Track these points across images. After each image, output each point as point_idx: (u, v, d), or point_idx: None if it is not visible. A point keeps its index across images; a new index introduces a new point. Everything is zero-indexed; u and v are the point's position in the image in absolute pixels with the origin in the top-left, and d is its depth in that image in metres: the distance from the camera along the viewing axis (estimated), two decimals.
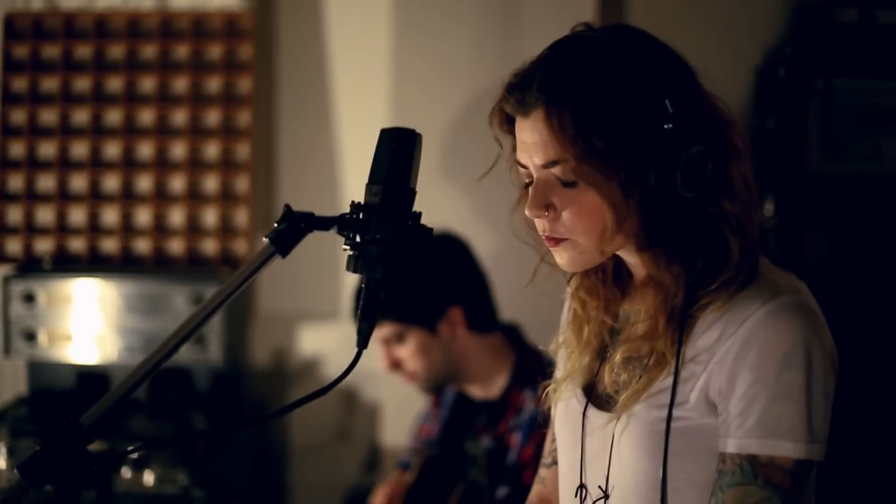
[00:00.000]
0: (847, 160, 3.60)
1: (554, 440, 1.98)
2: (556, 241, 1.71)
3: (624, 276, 1.84)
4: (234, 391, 4.04)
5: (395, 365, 2.90)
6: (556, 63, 1.67)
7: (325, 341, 4.26)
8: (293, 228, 1.61)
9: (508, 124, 1.75)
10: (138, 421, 3.68)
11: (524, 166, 1.72)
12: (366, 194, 1.64)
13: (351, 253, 1.64)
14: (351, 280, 4.20)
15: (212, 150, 4.00)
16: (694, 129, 1.66)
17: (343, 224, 1.63)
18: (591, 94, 1.63)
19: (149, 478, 3.47)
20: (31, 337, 3.89)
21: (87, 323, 3.90)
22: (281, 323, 4.28)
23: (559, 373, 1.93)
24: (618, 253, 1.77)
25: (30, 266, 4.02)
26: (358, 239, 1.63)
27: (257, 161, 4.07)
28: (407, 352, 2.85)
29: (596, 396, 1.81)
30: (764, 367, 1.63)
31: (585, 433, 1.80)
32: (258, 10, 4.07)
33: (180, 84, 4.02)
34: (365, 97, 4.10)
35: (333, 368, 4.25)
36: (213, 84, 4.01)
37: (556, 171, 1.66)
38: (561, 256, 1.73)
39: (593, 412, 1.79)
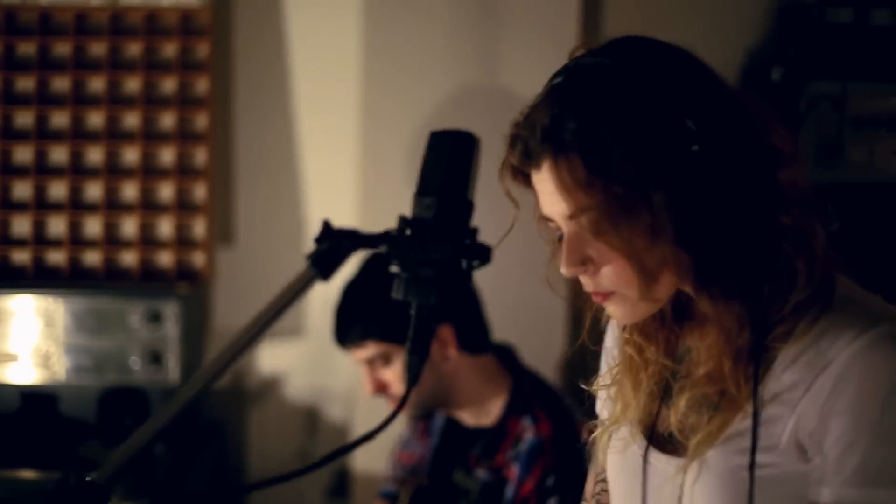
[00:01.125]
0: (840, 166, 3.46)
1: (598, 482, 1.82)
2: (604, 297, 1.55)
3: (683, 306, 1.65)
4: (192, 412, 3.81)
5: (381, 388, 2.72)
6: (556, 104, 1.48)
7: (287, 360, 4.04)
8: (336, 248, 1.38)
9: (523, 176, 1.56)
10: (91, 446, 3.47)
11: (550, 219, 1.55)
12: (415, 207, 1.43)
13: (401, 275, 1.42)
14: (317, 295, 3.99)
15: (167, 155, 3.81)
16: (726, 142, 1.47)
17: (392, 242, 1.41)
18: (601, 134, 1.44)
19: None
20: None
21: (32, 341, 3.67)
22: None
23: (606, 413, 1.76)
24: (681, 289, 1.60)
25: None
26: (409, 260, 1.40)
27: (215, 167, 3.86)
28: (393, 374, 2.68)
29: (657, 439, 1.64)
30: (864, 407, 1.45)
31: (648, 480, 1.65)
32: (215, 6, 3.85)
33: (132, 84, 3.81)
34: (330, 99, 3.91)
35: (295, 388, 4.06)
36: (168, 85, 3.81)
37: (582, 221, 1.49)
38: (615, 312, 1.58)
39: (656, 457, 1.63)
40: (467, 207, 1.43)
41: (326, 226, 1.41)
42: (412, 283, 1.42)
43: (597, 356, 1.80)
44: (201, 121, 3.78)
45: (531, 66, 3.46)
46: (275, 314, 1.38)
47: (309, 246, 3.97)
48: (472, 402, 2.71)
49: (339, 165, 3.85)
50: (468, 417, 2.75)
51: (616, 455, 1.70)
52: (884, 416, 1.44)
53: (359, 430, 3.69)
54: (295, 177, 3.95)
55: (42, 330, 3.65)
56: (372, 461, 3.54)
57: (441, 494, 2.75)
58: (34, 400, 3.67)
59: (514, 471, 2.59)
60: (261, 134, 3.98)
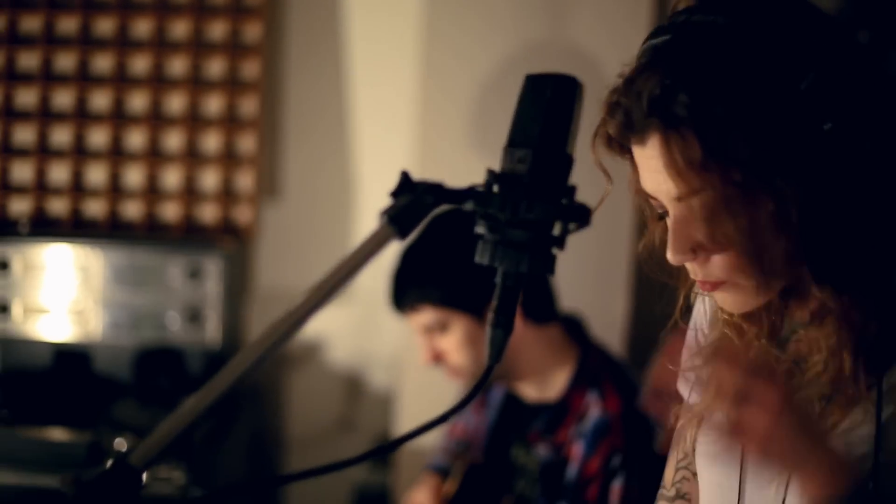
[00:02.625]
0: None
1: (679, 470, 1.67)
2: (714, 286, 1.42)
3: (792, 285, 1.50)
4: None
5: (437, 357, 2.60)
6: (665, 72, 1.32)
7: (330, 323, 3.93)
8: (417, 203, 1.21)
9: (619, 146, 1.42)
10: (125, 406, 3.39)
11: (653, 197, 1.41)
12: (505, 160, 1.26)
13: (488, 238, 1.24)
14: None
15: (214, 103, 3.71)
16: (863, 119, 1.31)
17: (480, 199, 1.23)
18: (719, 111, 1.29)
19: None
20: (3, 309, 3.58)
21: (68, 295, 3.58)
22: (282, 302, 3.92)
23: (695, 396, 1.61)
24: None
25: (4, 229, 3.70)
26: (497, 220, 1.23)
27: (264, 117, 3.76)
28: (451, 343, 2.58)
29: None
30: None
31: (745, 472, 1.51)
32: None
33: (180, 28, 3.70)
34: (387, 51, 3.81)
35: (338, 353, 3.96)
36: (218, 29, 3.70)
37: (694, 204, 1.36)
38: (724, 301, 1.46)
39: None
40: (566, 162, 1.26)
41: (406, 178, 1.23)
42: (501, 246, 1.26)
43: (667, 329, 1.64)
44: (251, 68, 3.68)
45: (600, 20, 3.30)
46: (344, 277, 1.21)
47: (358, 203, 3.89)
48: (534, 374, 2.60)
49: (394, 120, 3.75)
50: (530, 391, 2.64)
51: (710, 445, 1.57)
52: None
53: (403, 399, 3.58)
54: (346, 130, 3.84)
55: (78, 284, 3.57)
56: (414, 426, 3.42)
57: (497, 472, 2.66)
58: (67, 358, 3.59)
59: (578, 449, 2.48)
60: (313, 84, 3.88)
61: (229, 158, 3.69)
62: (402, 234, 1.22)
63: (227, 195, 3.70)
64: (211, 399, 1.16)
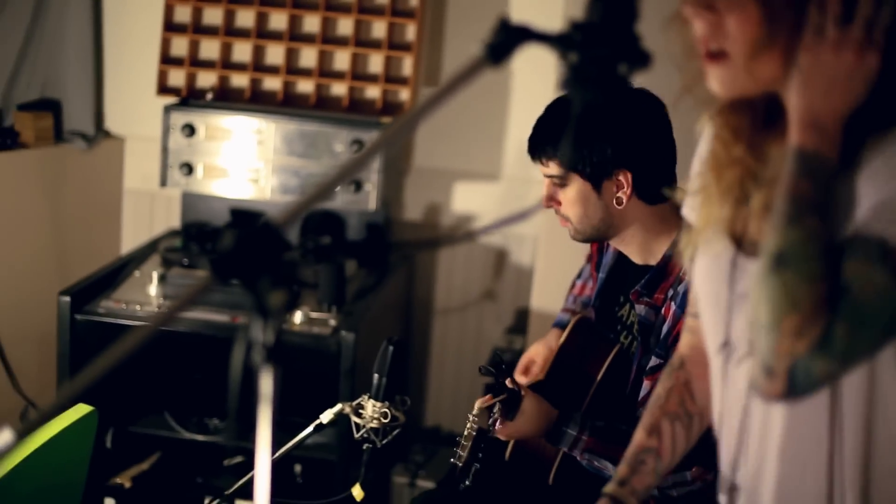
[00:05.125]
0: None
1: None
2: (714, 58, 1.56)
3: (777, 118, 1.63)
4: (383, 237, 4.01)
5: (551, 203, 2.76)
6: None
7: (480, 201, 4.21)
8: (511, 39, 1.51)
9: None
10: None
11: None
12: (586, 12, 1.54)
13: (567, 70, 1.54)
14: (513, 142, 4.14)
15: None
16: None
17: (558, 41, 1.53)
18: None
19: (298, 318, 3.47)
20: (188, 169, 3.90)
21: (244, 159, 3.89)
22: (437, 179, 4.24)
23: (694, 221, 1.77)
24: (776, 91, 1.61)
25: (193, 98, 4.01)
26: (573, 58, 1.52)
27: (427, 9, 3.99)
28: (566, 197, 2.70)
29: (746, 246, 1.65)
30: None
31: (735, 283, 1.65)
32: None
33: None
34: None
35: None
36: None
37: None
38: (715, 78, 1.57)
39: (744, 261, 1.64)
40: (632, 13, 1.54)
41: (503, 21, 1.53)
42: (576, 79, 1.53)
43: None
44: None
45: None
46: (445, 93, 1.51)
47: (509, 92, 4.08)
48: (637, 242, 2.74)
49: (550, 17, 3.92)
50: (635, 255, 2.78)
51: (704, 259, 1.72)
52: None
53: (539, 274, 3.83)
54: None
55: (254, 150, 3.87)
56: (549, 300, 3.68)
57: (603, 326, 2.83)
58: (241, 215, 3.84)
59: (671, 308, 2.61)
60: None
61: (393, 45, 3.90)
62: (496, 59, 1.52)
63: (390, 79, 3.90)
64: (331, 181, 1.47)
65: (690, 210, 1.82)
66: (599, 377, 2.71)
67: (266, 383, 1.29)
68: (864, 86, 1.47)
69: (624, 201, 2.65)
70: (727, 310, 1.67)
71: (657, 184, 2.69)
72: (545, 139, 2.65)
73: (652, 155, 2.67)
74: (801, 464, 1.60)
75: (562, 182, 2.66)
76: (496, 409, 2.51)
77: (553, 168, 2.66)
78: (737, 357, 1.66)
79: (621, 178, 2.64)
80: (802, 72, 1.48)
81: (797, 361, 1.40)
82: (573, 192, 2.66)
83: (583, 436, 2.55)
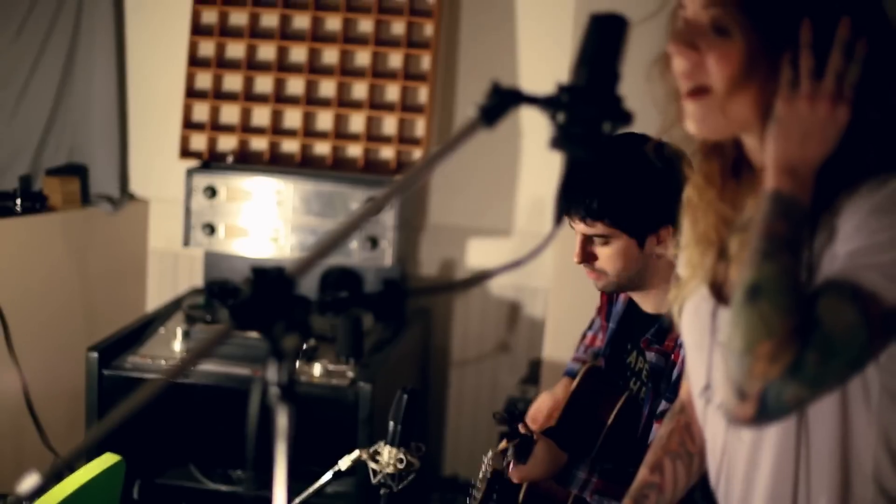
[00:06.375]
0: None
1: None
2: (695, 94, 1.62)
3: (744, 169, 1.71)
4: (401, 296, 4.11)
5: (588, 259, 2.81)
6: None
7: (494, 256, 4.32)
8: (503, 102, 1.63)
9: None
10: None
11: (683, 6, 1.64)
12: (572, 77, 1.66)
13: (556, 131, 1.65)
14: (525, 199, 4.25)
15: (395, 59, 4.07)
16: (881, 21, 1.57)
17: (546, 103, 1.64)
18: None
19: (317, 371, 3.57)
20: (210, 229, 4.03)
21: (264, 219, 4.01)
22: (451, 235, 4.34)
23: (682, 274, 1.85)
24: (743, 139, 1.68)
25: (214, 161, 4.14)
26: (560, 119, 1.64)
27: (438, 73, 4.11)
28: (606, 253, 2.70)
29: (726, 297, 1.71)
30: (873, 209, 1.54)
31: (716, 334, 1.71)
32: None
33: None
34: (549, 11, 4.12)
35: (498, 284, 4.32)
36: None
37: (713, 12, 1.58)
38: (691, 114, 1.64)
39: (724, 312, 1.68)
40: (614, 77, 1.65)
41: (495, 85, 1.65)
42: (563, 138, 1.64)
43: None
44: (428, 30, 4.03)
45: None
46: (442, 153, 1.61)
47: (521, 150, 4.16)
48: (656, 293, 2.77)
49: (558, 73, 4.02)
50: (648, 304, 2.82)
51: (689, 307, 1.78)
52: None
53: (551, 326, 3.93)
54: (511, 83, 4.13)
55: (273, 210, 4.00)
56: (560, 350, 3.77)
57: (613, 374, 2.88)
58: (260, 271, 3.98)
59: (681, 354, 2.63)
60: (482, 43, 4.21)
61: (406, 108, 4.03)
62: (489, 122, 1.63)
63: (403, 139, 4.03)
64: (343, 230, 1.58)
65: (680, 265, 1.90)
66: (610, 422, 2.75)
67: (282, 421, 1.40)
68: (837, 136, 1.55)
69: (664, 255, 2.72)
70: (709, 356, 1.73)
71: None
72: (585, 198, 2.64)
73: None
74: (782, 499, 1.67)
75: (605, 241, 2.70)
76: (510, 452, 2.60)
77: (599, 227, 2.66)
78: (716, 401, 1.72)
79: (663, 232, 2.69)
80: (779, 121, 1.56)
81: (769, 385, 1.45)
82: (615, 249, 2.67)
83: (592, 478, 2.59)
